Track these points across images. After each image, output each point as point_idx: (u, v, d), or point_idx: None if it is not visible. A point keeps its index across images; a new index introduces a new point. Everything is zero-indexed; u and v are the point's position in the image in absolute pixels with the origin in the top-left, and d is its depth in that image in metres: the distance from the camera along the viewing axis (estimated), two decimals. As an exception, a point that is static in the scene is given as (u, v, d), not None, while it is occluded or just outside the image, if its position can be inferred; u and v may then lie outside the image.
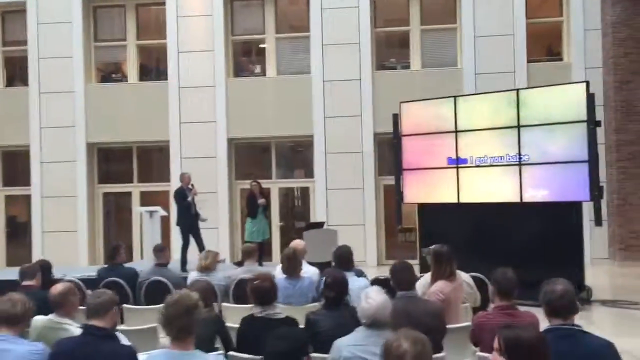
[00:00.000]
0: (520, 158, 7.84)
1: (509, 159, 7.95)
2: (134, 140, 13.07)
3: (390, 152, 12.69)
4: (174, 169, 12.71)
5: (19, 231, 13.56)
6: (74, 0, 12.92)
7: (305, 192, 13.03)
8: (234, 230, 12.80)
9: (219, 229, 12.45)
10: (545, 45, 12.79)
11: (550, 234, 7.69)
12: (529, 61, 12.05)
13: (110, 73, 13.49)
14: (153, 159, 13.62)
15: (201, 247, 9.52)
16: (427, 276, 4.43)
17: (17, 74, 13.78)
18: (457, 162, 8.43)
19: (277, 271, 5.42)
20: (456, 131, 8.43)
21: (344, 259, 4.86)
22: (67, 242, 12.81)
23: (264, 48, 13.06)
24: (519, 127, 7.87)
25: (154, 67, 13.63)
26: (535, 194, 7.73)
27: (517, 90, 8.06)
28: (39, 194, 12.96)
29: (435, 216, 8.73)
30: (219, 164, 12.66)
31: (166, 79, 12.92)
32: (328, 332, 3.19)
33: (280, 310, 3.73)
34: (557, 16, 12.39)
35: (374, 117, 12.30)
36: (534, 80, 11.66)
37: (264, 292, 3.56)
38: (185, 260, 9.69)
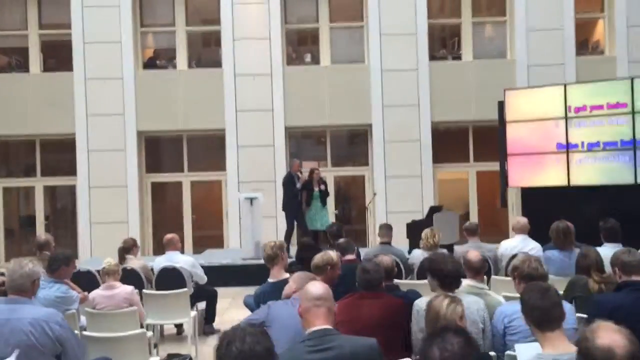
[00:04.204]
0: (635, 142, 8.40)
1: (623, 144, 8.50)
2: (185, 129, 12.78)
3: (447, 140, 13.18)
4: (230, 158, 12.59)
5: (61, 223, 12.98)
6: (122, -17, 12.47)
7: (360, 180, 13.21)
8: (291, 218, 12.78)
9: (277, 218, 12.41)
10: (584, 39, 13.55)
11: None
12: (577, 54, 12.77)
13: (156, 59, 13.11)
14: (205, 148, 13.38)
15: (306, 232, 9.56)
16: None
17: (55, 58, 13.12)
18: (567, 147, 8.91)
19: (503, 247, 5.67)
20: (566, 117, 8.90)
21: (567, 232, 5.15)
22: (117, 233, 12.34)
23: (317, 37, 13.11)
24: (633, 113, 8.43)
25: (203, 54, 13.37)
26: (651, 176, 8.32)
27: (632, 78, 8.62)
28: (87, 184, 12.45)
29: (541, 199, 9.18)
30: (277, 152, 12.62)
31: (218, 66, 12.74)
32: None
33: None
34: (599, 12, 13.20)
35: (431, 107, 12.66)
36: (582, 72, 12.41)
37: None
38: (287, 246, 9.67)
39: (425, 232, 5.81)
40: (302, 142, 13.39)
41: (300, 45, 13.55)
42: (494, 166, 12.83)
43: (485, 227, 12.00)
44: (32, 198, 12.87)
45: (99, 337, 3.54)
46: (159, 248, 13.03)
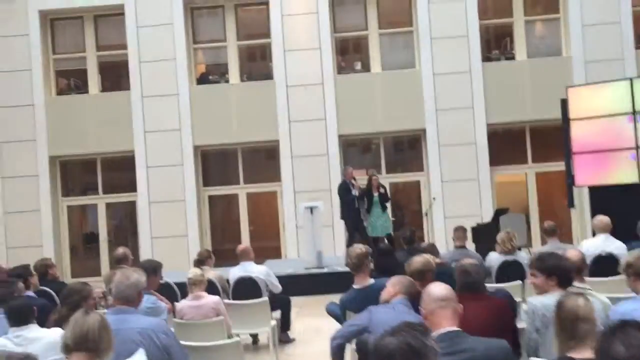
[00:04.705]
0: None
1: (698, 136, 8.16)
2: (240, 141, 12.91)
3: (504, 142, 12.94)
4: (285, 168, 12.65)
5: (122, 238, 13.25)
6: (174, 2, 12.74)
7: (416, 186, 13.08)
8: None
9: (333, 227, 12.37)
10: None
11: None
12: (635, 48, 12.38)
13: (209, 75, 13.33)
14: (259, 159, 13.51)
15: (366, 239, 9.48)
16: None
17: (113, 78, 13.50)
18: (638, 143, 8.61)
19: (585, 247, 5.49)
20: (634, 112, 8.61)
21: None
22: (176, 247, 12.55)
23: (366, 44, 13.11)
24: None
25: (255, 67, 13.54)
26: None
27: None
28: (147, 199, 12.71)
29: (610, 197, 8.88)
30: (331, 161, 12.62)
31: (270, 78, 12.86)
32: None
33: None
34: (655, 3, 12.80)
35: (486, 108, 12.46)
36: (641, 66, 12.04)
37: None
38: (351, 255, 9.64)
39: (501, 236, 5.68)
40: (356, 149, 13.38)
41: (350, 53, 13.57)
42: (554, 166, 12.60)
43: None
44: (95, 215, 13.20)
45: (196, 346, 3.57)
46: (218, 260, 13.21)
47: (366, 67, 13.11)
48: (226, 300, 5.39)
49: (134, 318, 2.96)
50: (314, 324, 7.30)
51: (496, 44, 13.26)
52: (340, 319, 4.39)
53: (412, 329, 1.69)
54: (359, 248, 4.28)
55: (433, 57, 12.54)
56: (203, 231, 12.98)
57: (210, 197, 13.18)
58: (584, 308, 2.34)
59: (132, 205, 13.05)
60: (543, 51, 12.83)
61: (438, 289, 2.51)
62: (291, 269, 9.94)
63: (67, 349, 2.31)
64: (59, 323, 3.38)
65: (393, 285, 3.30)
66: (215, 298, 4.61)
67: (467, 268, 3.25)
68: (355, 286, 4.27)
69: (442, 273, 3.78)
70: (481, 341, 2.36)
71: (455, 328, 2.38)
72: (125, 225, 13.60)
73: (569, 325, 2.30)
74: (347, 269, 9.59)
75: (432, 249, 4.90)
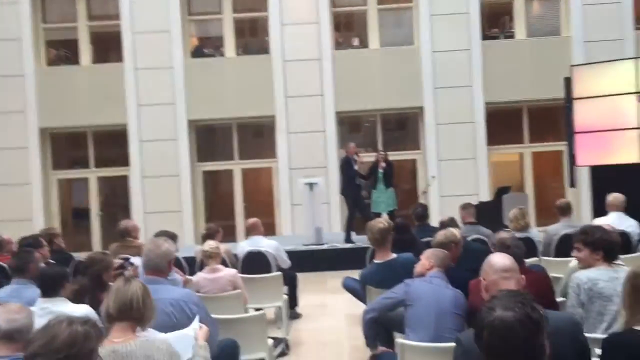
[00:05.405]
0: None
1: (702, 117, 8.16)
2: (235, 116, 12.71)
3: (501, 121, 12.88)
4: (281, 145, 12.51)
5: (115, 213, 13.02)
6: (168, -28, 12.40)
7: (412, 164, 13.01)
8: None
9: (330, 204, 12.28)
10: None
11: None
12: (635, 28, 12.35)
13: (204, 48, 13.05)
14: (255, 135, 13.33)
15: (367, 216, 9.37)
16: None
17: (105, 49, 13.17)
18: (641, 123, 8.59)
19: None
20: (639, 92, 8.58)
21: None
22: (170, 222, 12.34)
23: (364, 19, 12.91)
24: None
25: (251, 41, 13.29)
26: None
27: None
28: (139, 174, 12.50)
29: (613, 177, 8.87)
30: (328, 138, 12.49)
31: (266, 52, 12.64)
32: None
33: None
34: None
35: (484, 87, 12.38)
36: (641, 47, 12.02)
37: None
38: (349, 231, 9.58)
39: (514, 213, 5.61)
40: (353, 126, 13.25)
41: (348, 29, 13.36)
42: (550, 146, 12.64)
43: (545, 209, 11.76)
44: (86, 189, 12.95)
45: (221, 319, 3.46)
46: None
47: (364, 43, 12.94)
48: (240, 275, 5.28)
49: (164, 288, 2.84)
50: (318, 300, 7.26)
51: (496, 22, 13.12)
52: (359, 294, 4.32)
53: (523, 299, 1.60)
54: (381, 222, 4.18)
55: (432, 34, 12.39)
56: (197, 207, 12.82)
57: (205, 173, 12.99)
58: None
59: (124, 179, 12.82)
60: (543, 30, 12.75)
61: (501, 259, 2.41)
62: (290, 245, 9.82)
63: (110, 318, 2.19)
64: (80, 293, 3.26)
65: (428, 258, 3.22)
66: (232, 271, 4.50)
67: (506, 241, 3.17)
68: (376, 261, 4.19)
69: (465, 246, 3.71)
70: (549, 314, 2.28)
71: (519, 300, 2.29)
72: (117, 200, 13.36)
73: None
74: (346, 246, 9.63)
75: (452, 223, 4.83)
